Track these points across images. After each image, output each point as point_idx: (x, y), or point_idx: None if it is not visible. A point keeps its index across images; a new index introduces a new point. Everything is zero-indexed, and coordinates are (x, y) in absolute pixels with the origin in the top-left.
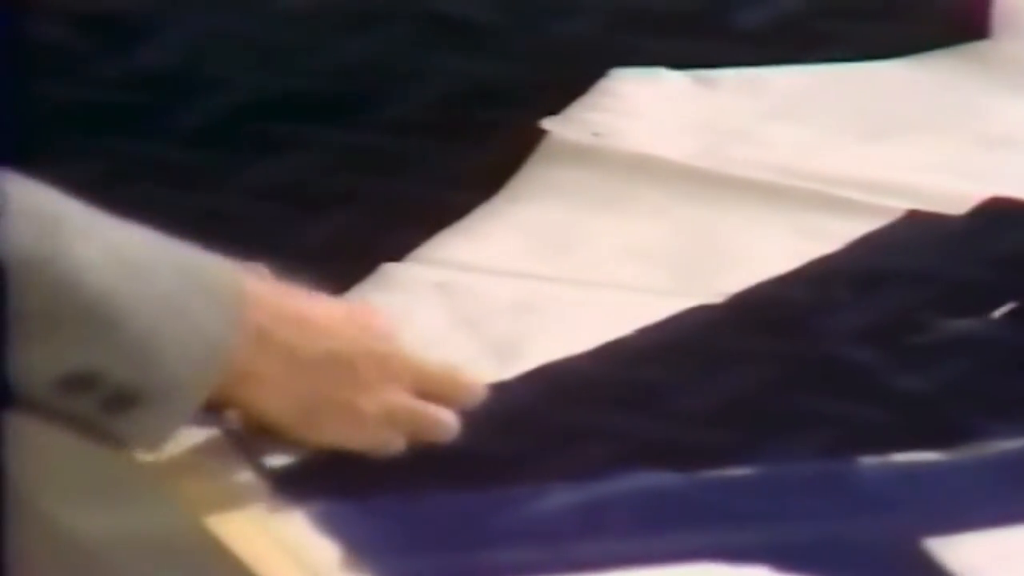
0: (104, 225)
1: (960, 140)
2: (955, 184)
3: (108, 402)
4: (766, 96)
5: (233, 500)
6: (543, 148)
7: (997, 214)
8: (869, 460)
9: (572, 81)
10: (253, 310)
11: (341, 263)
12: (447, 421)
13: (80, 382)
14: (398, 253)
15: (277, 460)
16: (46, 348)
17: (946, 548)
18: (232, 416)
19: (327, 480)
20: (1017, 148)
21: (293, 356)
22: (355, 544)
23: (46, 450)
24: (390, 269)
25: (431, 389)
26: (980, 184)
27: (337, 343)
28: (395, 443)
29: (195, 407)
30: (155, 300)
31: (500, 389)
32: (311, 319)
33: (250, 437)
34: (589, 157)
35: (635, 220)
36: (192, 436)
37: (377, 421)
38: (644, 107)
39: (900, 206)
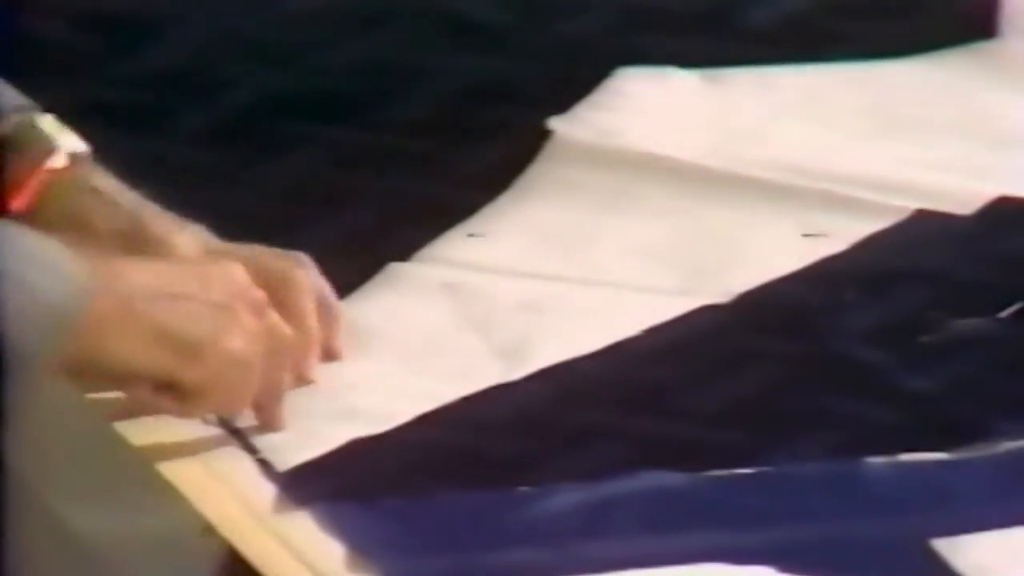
0: None
1: (968, 139)
2: (963, 183)
3: None
4: (774, 95)
5: (239, 500)
6: (550, 147)
7: (1005, 213)
8: (876, 460)
9: (579, 80)
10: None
11: (348, 262)
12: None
13: None
14: (405, 252)
15: (283, 461)
16: None
17: (954, 548)
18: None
19: (333, 481)
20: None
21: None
22: (361, 544)
23: (50, 449)
24: (397, 268)
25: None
26: (988, 183)
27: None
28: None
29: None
30: None
31: (507, 389)
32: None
33: (255, 437)
34: (596, 156)
35: (642, 219)
36: (198, 437)
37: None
38: (651, 106)
39: (908, 205)
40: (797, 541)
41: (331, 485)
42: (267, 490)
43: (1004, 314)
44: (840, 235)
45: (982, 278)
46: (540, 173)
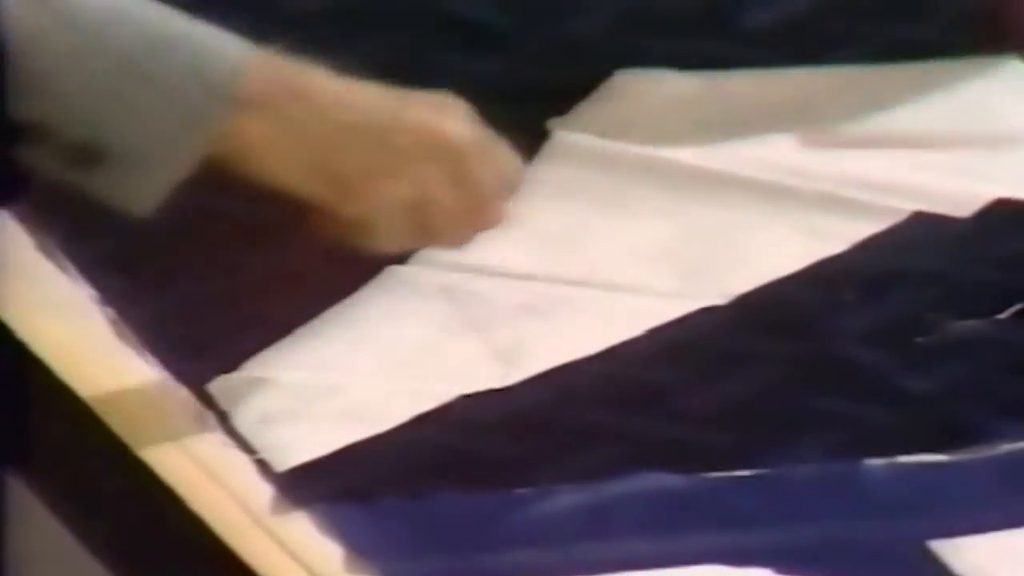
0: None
1: (966, 141)
2: (961, 186)
3: (67, 156)
4: (772, 98)
5: (237, 501)
6: (548, 148)
7: (1004, 215)
8: (875, 462)
9: (579, 81)
10: (253, 84)
11: (347, 264)
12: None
13: (31, 132)
14: (403, 255)
15: (282, 461)
16: None
17: (952, 550)
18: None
19: (331, 481)
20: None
21: (304, 128)
22: (359, 546)
23: None
24: (395, 271)
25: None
26: (986, 185)
27: (356, 117)
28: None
29: (174, 173)
30: (112, 66)
31: (506, 391)
32: (327, 95)
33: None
34: (595, 158)
35: (641, 221)
36: (195, 438)
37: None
38: (651, 107)
39: (906, 207)
40: (795, 543)
41: (330, 486)
42: (265, 490)
43: (1003, 316)
44: (839, 236)
45: (981, 280)
46: (539, 174)
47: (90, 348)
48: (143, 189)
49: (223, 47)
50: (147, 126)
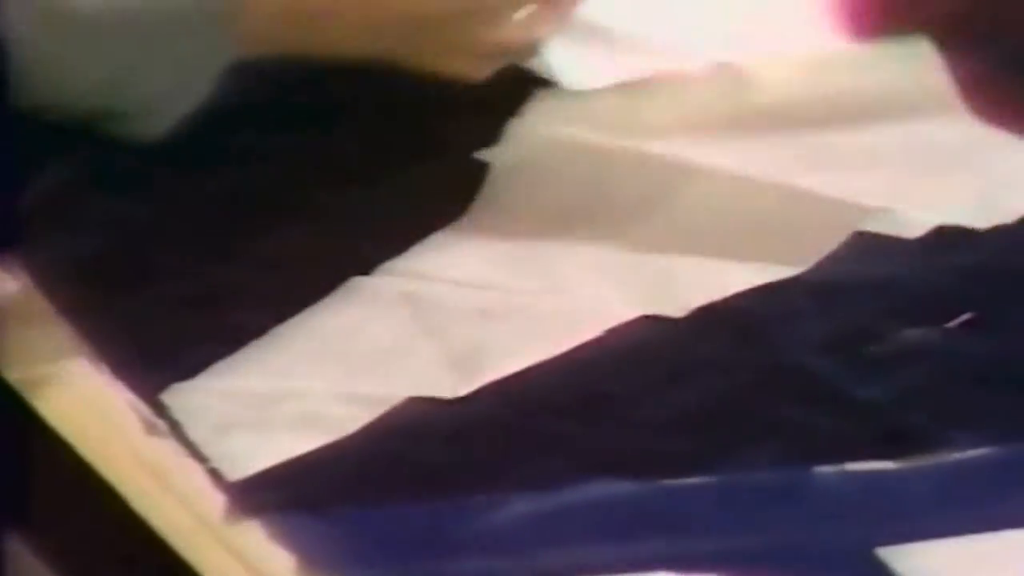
0: None
1: (906, 166)
2: (904, 211)
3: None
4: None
5: (189, 510)
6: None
7: (948, 238)
8: (824, 469)
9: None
10: None
11: (311, 275)
12: None
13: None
14: (368, 266)
15: (233, 470)
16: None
17: (899, 556)
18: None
19: (283, 490)
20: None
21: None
22: (311, 555)
23: None
24: (359, 282)
25: None
26: (928, 213)
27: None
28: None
29: (189, 104)
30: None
31: (461, 400)
32: None
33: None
34: (553, 174)
35: (597, 236)
36: (148, 443)
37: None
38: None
39: (851, 226)
40: (746, 548)
41: (282, 494)
42: (217, 500)
43: (952, 324)
44: (789, 249)
45: (930, 290)
46: (497, 189)
47: (43, 359)
48: (158, 125)
49: None
50: (160, 79)
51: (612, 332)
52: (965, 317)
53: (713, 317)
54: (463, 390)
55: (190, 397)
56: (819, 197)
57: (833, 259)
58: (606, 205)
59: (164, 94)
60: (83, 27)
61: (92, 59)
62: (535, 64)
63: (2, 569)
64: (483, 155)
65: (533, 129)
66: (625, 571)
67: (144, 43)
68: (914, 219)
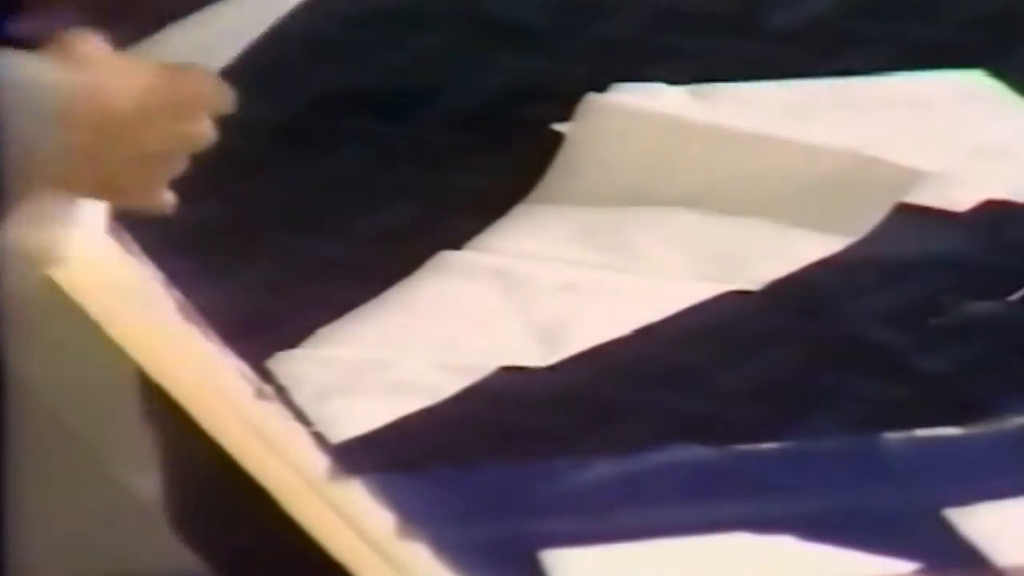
0: None
1: (946, 151)
2: (945, 190)
3: None
4: (762, 110)
5: (294, 470)
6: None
7: (996, 213)
8: (892, 436)
9: (615, 79)
10: (71, 127)
11: (401, 251)
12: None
13: None
14: (457, 242)
15: (336, 434)
16: None
17: (964, 518)
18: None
19: (384, 452)
20: (1008, 158)
21: (100, 164)
22: (409, 513)
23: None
24: (448, 256)
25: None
26: (969, 191)
27: (140, 150)
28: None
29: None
30: None
31: (548, 369)
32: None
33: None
34: (625, 145)
35: (670, 206)
36: (256, 407)
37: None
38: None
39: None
40: (817, 512)
41: (382, 456)
42: (321, 461)
43: (1013, 298)
44: (850, 214)
45: (991, 264)
46: (572, 162)
47: (157, 328)
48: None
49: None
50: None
51: (690, 306)
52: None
53: (784, 291)
54: (550, 360)
55: (295, 364)
56: (878, 161)
57: (890, 236)
58: (677, 175)
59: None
60: None
61: None
62: None
63: (2, 569)
64: (558, 127)
65: (606, 102)
66: (701, 532)
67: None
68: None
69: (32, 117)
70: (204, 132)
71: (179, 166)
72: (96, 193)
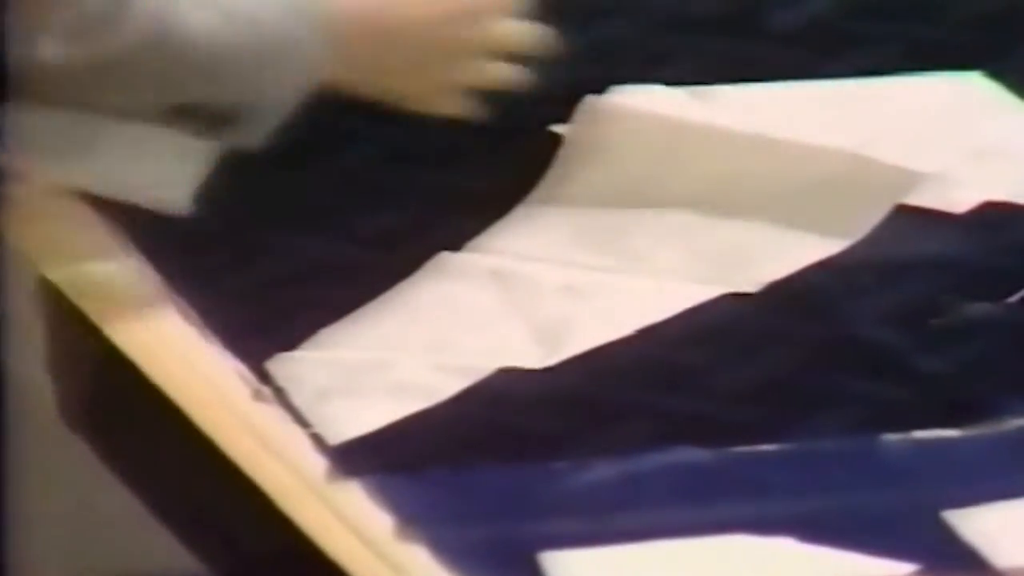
0: None
1: (945, 152)
2: (945, 191)
3: (211, 122)
4: (762, 111)
5: (293, 472)
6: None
7: (995, 214)
8: (892, 437)
9: (614, 81)
10: (345, 34)
11: (401, 252)
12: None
13: (185, 111)
14: (456, 243)
15: (334, 435)
16: (159, 89)
17: (963, 519)
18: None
19: (383, 454)
20: (1006, 159)
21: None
22: (409, 515)
23: None
24: (448, 257)
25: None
26: (969, 192)
27: (417, 53)
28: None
29: (287, 115)
30: (258, 44)
31: (547, 370)
32: (397, 31)
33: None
34: (624, 146)
35: (669, 208)
36: (254, 408)
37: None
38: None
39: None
40: (817, 513)
41: (380, 458)
42: (319, 462)
43: (1012, 299)
44: (849, 216)
45: (990, 266)
46: (571, 163)
47: (156, 329)
48: (262, 132)
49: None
50: (279, 85)
51: (689, 308)
52: (1023, 294)
53: (784, 292)
54: (550, 361)
55: (293, 366)
56: (877, 162)
57: (889, 237)
58: (677, 177)
59: (267, 110)
60: (198, 55)
61: (206, 83)
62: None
63: (2, 569)
64: (557, 128)
65: (606, 103)
66: (701, 533)
67: (255, 69)
68: (955, 198)
69: (305, 23)
70: (488, 39)
71: (471, 75)
72: (380, 94)
